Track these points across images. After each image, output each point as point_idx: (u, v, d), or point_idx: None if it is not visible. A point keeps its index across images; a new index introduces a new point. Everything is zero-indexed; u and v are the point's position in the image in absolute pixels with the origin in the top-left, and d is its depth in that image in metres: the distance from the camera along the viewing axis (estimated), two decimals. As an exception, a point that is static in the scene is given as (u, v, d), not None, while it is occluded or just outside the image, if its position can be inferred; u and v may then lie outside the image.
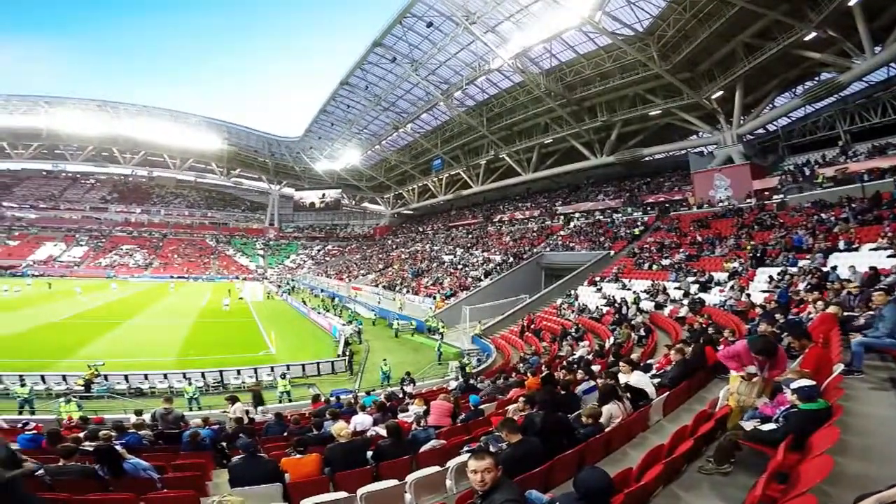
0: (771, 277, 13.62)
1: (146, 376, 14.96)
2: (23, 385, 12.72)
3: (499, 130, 39.60)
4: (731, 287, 14.57)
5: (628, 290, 19.72)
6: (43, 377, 14.30)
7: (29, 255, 56.42)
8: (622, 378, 6.20)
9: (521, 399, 6.36)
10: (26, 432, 7.20)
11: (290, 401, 13.62)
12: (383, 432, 6.17)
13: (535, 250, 32.41)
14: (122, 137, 59.40)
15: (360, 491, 3.91)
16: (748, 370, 4.35)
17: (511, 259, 32.67)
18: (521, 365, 13.45)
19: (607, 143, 32.91)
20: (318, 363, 17.70)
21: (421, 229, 60.33)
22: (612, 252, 25.96)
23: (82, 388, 13.53)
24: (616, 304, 17.98)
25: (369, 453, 5.16)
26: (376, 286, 40.62)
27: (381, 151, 53.79)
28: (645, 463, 3.52)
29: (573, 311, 20.17)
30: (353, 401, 10.24)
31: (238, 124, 57.56)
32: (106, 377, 14.35)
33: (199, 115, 56.00)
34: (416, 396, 10.02)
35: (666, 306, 16.18)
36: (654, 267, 20.70)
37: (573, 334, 16.11)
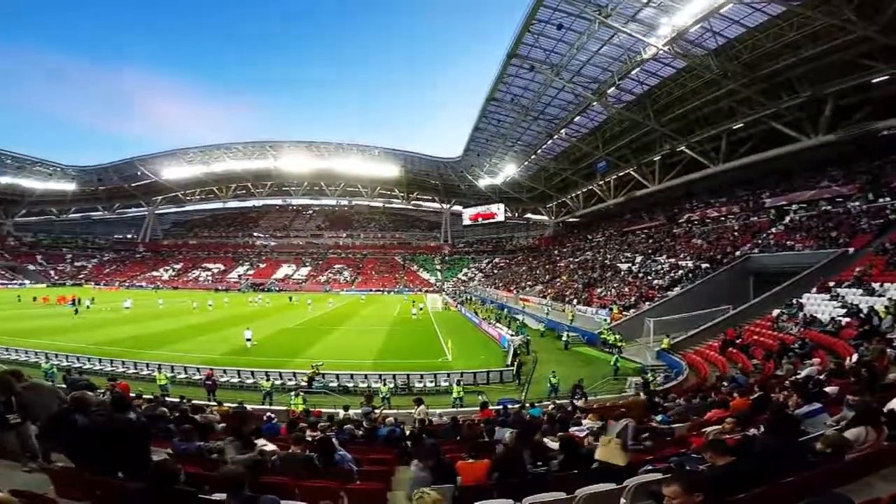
0: None
1: (352, 376, 17.38)
2: (267, 380, 15.81)
3: (670, 122, 34.67)
4: None
5: (879, 296, 15.15)
6: (280, 373, 17.19)
7: (272, 274, 74.24)
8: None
9: (730, 420, 5.77)
10: (272, 422, 9.35)
11: (461, 406, 14.25)
12: (552, 444, 5.98)
13: (738, 253, 27.44)
14: (325, 172, 72.78)
15: (526, 500, 3.85)
16: None
17: (706, 264, 28.34)
18: (725, 384, 11.50)
19: (821, 120, 25.77)
20: (487, 371, 18.19)
21: (589, 237, 57.12)
22: (851, 250, 20.54)
23: (306, 384, 16.48)
24: (862, 315, 13.91)
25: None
26: (544, 297, 39.99)
27: (538, 161, 52.96)
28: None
29: (796, 324, 16.44)
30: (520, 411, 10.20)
31: (409, 151, 64.07)
32: (324, 375, 17.15)
33: (378, 147, 63.93)
34: (589, 410, 9.41)
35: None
36: (921, 265, 15.33)
37: (796, 350, 13.21)
